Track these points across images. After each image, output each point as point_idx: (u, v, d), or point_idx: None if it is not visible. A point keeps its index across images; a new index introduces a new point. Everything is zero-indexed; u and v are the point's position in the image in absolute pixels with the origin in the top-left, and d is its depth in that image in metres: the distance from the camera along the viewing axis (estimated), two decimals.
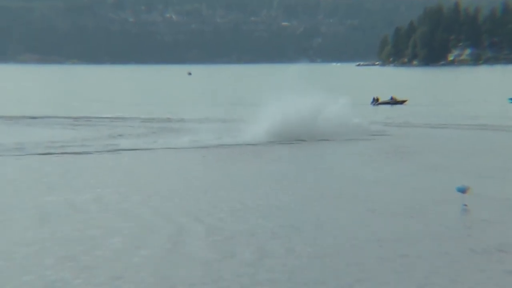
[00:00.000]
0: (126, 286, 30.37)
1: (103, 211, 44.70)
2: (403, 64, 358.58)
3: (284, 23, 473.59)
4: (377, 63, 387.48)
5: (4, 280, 30.62)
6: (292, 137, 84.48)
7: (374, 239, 39.59)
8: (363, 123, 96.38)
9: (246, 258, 34.58)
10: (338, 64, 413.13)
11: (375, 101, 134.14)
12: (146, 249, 36.64)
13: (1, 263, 33.72)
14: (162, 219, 43.13)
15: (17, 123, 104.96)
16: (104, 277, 31.49)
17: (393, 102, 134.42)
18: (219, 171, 64.62)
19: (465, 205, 44.27)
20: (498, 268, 35.00)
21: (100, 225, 41.48)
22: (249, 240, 38.09)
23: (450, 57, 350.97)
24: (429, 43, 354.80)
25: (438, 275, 34.09)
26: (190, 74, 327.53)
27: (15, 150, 75.23)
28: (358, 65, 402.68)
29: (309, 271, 34.06)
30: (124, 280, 30.26)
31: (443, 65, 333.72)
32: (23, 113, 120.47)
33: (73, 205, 47.61)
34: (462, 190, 44.98)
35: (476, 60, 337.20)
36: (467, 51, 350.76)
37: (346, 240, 39.14)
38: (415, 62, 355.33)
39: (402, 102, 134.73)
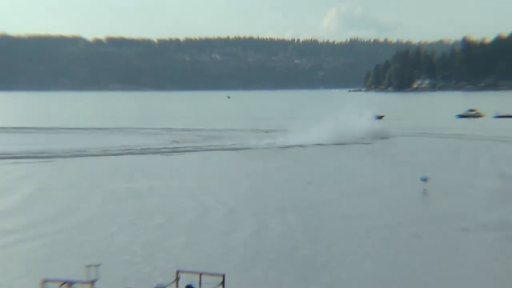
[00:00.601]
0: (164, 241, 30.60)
1: (154, 196, 44.61)
2: (381, 90, 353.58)
3: (297, 61, 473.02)
4: (363, 89, 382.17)
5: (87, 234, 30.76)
6: (342, 140, 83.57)
7: (352, 214, 39.20)
8: (387, 128, 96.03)
9: (252, 227, 34.95)
10: (336, 90, 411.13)
11: None
12: (180, 220, 36.75)
13: (84, 224, 34.31)
14: (193, 199, 43.12)
15: (109, 132, 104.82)
16: (145, 239, 31.56)
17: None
18: (257, 166, 64.20)
19: (425, 189, 45.05)
20: (448, 227, 34.92)
21: (150, 204, 41.34)
22: (255, 214, 37.96)
23: (415, 85, 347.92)
24: (400, 75, 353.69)
25: (402, 235, 33.67)
26: (229, 97, 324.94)
27: (103, 151, 75.30)
28: (350, 90, 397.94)
29: (295, 237, 33.69)
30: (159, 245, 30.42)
31: (410, 91, 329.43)
32: (112, 125, 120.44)
33: (132, 190, 47.60)
34: (424, 179, 46.05)
35: (433, 88, 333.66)
36: (427, 81, 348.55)
37: (327, 216, 38.76)
38: (389, 89, 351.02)
39: (381, 117, 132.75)
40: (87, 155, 71.82)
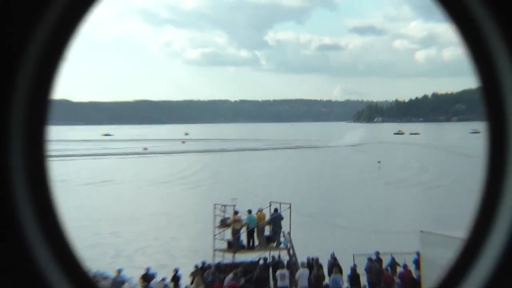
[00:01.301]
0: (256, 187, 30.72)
1: (255, 169, 44.51)
2: (360, 122, 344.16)
3: (322, 109, 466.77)
4: (352, 122, 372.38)
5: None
6: (348, 143, 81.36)
7: (338, 176, 38.52)
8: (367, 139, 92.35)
9: (304, 183, 34.50)
10: (339, 122, 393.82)
11: None
12: (270, 180, 36.69)
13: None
14: (272, 170, 43.09)
15: (238, 141, 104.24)
16: (253, 185, 31.76)
17: None
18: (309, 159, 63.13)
19: (379, 166, 44.01)
20: (382, 182, 34.43)
21: (255, 173, 41.40)
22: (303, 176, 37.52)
23: (375, 120, 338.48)
24: (368, 116, 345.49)
25: (363, 185, 33.04)
26: (292, 125, 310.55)
27: (235, 149, 75.43)
28: (346, 122, 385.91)
29: (315, 187, 33.39)
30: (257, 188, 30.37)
31: (372, 122, 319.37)
32: (238, 137, 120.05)
33: (247, 167, 47.64)
34: (379, 162, 45.58)
35: (382, 121, 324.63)
36: (380, 118, 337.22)
37: (331, 183, 38.27)
38: (363, 121, 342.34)
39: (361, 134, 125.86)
40: (230, 151, 72.69)
